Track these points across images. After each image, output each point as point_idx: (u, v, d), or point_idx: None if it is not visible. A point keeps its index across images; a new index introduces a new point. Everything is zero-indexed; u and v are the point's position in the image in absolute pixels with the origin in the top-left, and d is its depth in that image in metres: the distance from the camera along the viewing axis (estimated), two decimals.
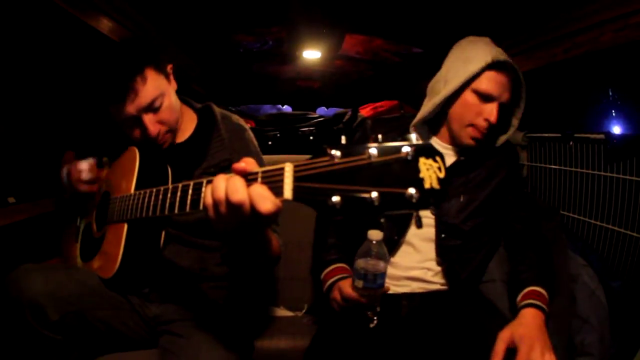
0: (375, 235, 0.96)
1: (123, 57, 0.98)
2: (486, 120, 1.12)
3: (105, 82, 0.95)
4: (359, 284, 0.96)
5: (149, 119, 0.99)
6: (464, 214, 1.18)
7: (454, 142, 1.22)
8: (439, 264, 1.17)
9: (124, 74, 0.94)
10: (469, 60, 1.12)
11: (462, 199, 1.18)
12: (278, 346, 1.37)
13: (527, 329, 0.95)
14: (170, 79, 1.07)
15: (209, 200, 0.61)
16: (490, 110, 1.11)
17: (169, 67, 1.07)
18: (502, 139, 1.23)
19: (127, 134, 1.04)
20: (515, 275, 1.14)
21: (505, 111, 1.15)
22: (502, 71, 1.10)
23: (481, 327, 1.05)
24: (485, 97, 1.12)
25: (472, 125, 1.14)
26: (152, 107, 0.99)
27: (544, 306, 1.02)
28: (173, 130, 1.08)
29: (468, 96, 1.13)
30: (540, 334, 0.95)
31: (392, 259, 1.19)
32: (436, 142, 1.26)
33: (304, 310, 1.58)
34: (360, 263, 0.96)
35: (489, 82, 1.10)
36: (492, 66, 1.09)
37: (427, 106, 1.19)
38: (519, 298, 1.06)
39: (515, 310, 1.06)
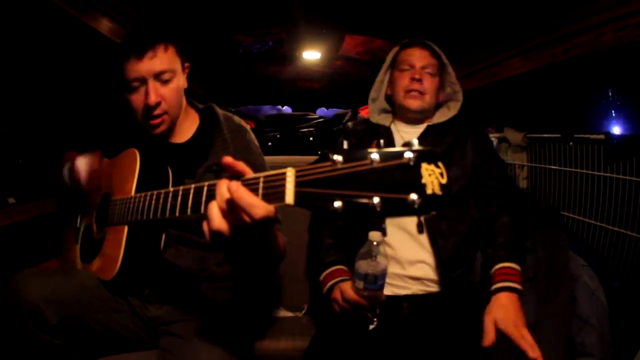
0: (376, 236, 0.96)
1: (155, 25, 1.10)
2: (413, 79, 1.28)
3: (133, 36, 1.03)
4: (360, 284, 0.97)
5: (154, 86, 1.02)
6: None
7: (408, 119, 1.35)
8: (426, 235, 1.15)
9: (151, 35, 1.02)
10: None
11: None
12: (278, 346, 1.37)
13: (508, 314, 0.99)
14: (184, 75, 1.12)
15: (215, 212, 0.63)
16: (413, 73, 1.29)
17: (187, 64, 1.12)
18: (452, 108, 1.34)
19: (127, 103, 1.07)
20: (489, 240, 1.13)
21: (433, 76, 1.31)
22: (414, 46, 1.33)
23: (476, 326, 1.05)
24: (405, 69, 1.32)
25: (406, 91, 1.30)
26: (161, 77, 1.03)
27: (518, 287, 1.04)
28: (170, 115, 1.08)
29: (396, 74, 1.35)
30: (521, 315, 1.00)
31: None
32: (399, 124, 1.38)
33: (303, 311, 1.58)
34: (362, 264, 0.96)
35: (406, 57, 1.32)
36: (404, 46, 1.34)
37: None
38: (493, 272, 1.07)
39: (487, 281, 1.08)
